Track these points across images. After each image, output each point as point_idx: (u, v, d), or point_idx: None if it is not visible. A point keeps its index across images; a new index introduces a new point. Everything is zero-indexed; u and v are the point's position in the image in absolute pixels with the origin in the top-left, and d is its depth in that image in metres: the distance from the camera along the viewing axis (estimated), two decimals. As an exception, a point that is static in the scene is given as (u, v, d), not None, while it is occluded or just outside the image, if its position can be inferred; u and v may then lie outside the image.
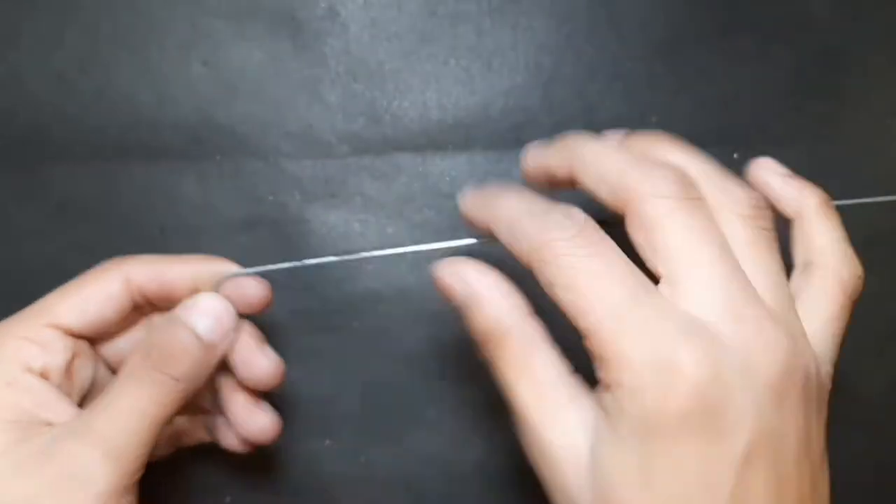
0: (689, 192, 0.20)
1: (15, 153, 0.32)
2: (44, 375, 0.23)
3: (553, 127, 0.32)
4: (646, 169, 0.20)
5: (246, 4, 0.32)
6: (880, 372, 0.33)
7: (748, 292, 0.19)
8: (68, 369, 0.24)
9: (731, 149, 0.33)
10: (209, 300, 0.24)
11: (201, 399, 0.27)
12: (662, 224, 0.20)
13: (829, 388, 0.21)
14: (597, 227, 0.20)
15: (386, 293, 0.32)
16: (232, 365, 0.25)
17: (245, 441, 0.26)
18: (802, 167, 0.33)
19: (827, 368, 0.21)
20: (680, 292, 0.19)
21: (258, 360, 0.25)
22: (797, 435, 0.19)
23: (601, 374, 0.19)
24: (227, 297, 0.25)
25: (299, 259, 0.32)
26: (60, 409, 0.23)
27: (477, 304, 0.21)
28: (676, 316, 0.19)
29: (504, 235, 0.21)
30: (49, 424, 0.22)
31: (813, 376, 0.19)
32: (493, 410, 0.32)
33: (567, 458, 0.20)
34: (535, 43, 0.32)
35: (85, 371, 0.25)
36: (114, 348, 0.26)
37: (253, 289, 0.25)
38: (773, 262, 0.21)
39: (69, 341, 0.24)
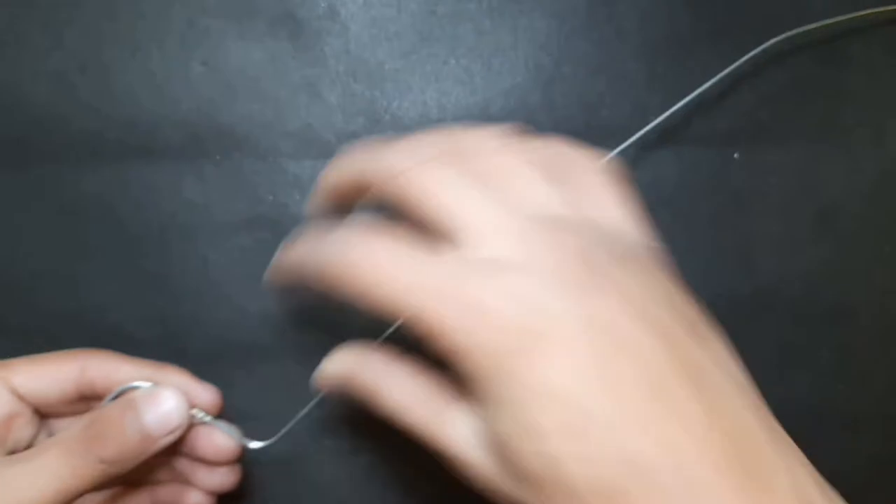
0: (431, 157, 0.21)
1: (15, 153, 0.32)
2: None
3: (553, 127, 0.32)
4: (384, 153, 0.22)
5: (246, 4, 0.32)
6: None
7: (511, 212, 0.20)
8: (6, 424, 0.24)
9: (730, 149, 0.33)
10: (166, 396, 0.25)
11: (153, 473, 0.28)
12: (418, 193, 0.21)
13: (655, 257, 0.21)
14: (369, 226, 0.21)
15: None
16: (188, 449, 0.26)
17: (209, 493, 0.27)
18: (803, 167, 0.33)
19: (633, 241, 0.22)
20: (461, 242, 0.20)
21: (211, 443, 0.27)
22: (622, 306, 0.19)
23: (443, 349, 0.19)
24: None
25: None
26: None
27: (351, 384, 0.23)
28: (464, 261, 0.19)
29: (301, 275, 0.22)
30: None
31: (603, 251, 0.20)
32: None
33: (464, 448, 0.20)
34: (536, 43, 0.32)
35: (22, 432, 0.25)
36: (60, 426, 0.27)
37: (205, 396, 0.27)
38: (531, 179, 0.21)
39: (15, 400, 0.25)
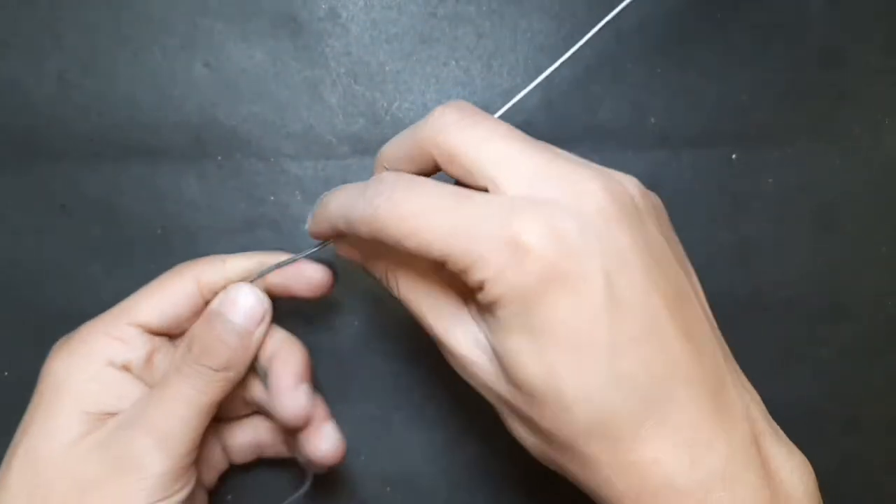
0: (464, 113, 0.22)
1: (15, 153, 0.32)
2: (125, 368, 0.25)
3: (553, 127, 0.32)
4: (429, 119, 0.23)
5: (247, 5, 0.32)
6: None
7: (551, 155, 0.21)
8: (148, 361, 0.26)
9: (729, 149, 0.33)
10: (240, 291, 0.26)
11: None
12: (457, 146, 0.22)
13: (664, 210, 0.24)
14: (410, 176, 0.22)
15: (386, 293, 0.32)
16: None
17: (314, 462, 0.27)
18: (801, 167, 0.33)
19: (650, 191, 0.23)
20: (500, 185, 0.21)
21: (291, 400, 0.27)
22: (640, 250, 0.20)
23: (470, 282, 0.21)
24: (278, 285, 0.27)
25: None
26: (136, 398, 0.25)
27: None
28: (502, 202, 0.21)
29: (344, 227, 0.23)
30: (122, 412, 0.25)
31: (635, 197, 0.22)
32: (492, 408, 0.32)
33: (466, 351, 0.22)
34: (535, 44, 0.32)
35: (165, 362, 0.26)
36: None
37: (308, 272, 0.27)
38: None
39: (149, 338, 0.26)
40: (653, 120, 0.33)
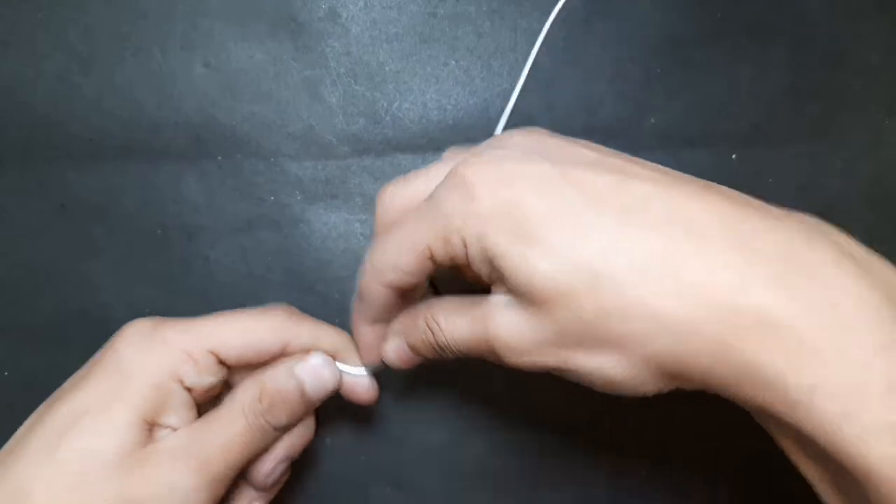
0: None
1: (16, 153, 0.32)
2: (188, 390, 0.25)
3: (553, 127, 0.32)
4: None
5: (247, 6, 0.32)
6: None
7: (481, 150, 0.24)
8: (211, 389, 0.26)
9: (729, 149, 0.33)
10: (326, 366, 0.27)
11: None
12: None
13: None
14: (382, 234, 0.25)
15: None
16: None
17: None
18: (801, 167, 0.33)
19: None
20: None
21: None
22: (559, 142, 0.23)
23: (458, 250, 0.22)
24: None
25: (302, 261, 0.32)
26: (186, 418, 0.25)
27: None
28: (437, 184, 0.23)
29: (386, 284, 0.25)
30: (171, 429, 0.25)
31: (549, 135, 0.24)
32: (493, 407, 0.32)
33: (506, 325, 0.22)
34: (535, 44, 0.32)
35: (215, 389, 0.27)
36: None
37: (362, 383, 0.28)
38: None
39: (219, 368, 0.26)
40: (653, 120, 0.33)
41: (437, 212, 0.22)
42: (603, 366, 0.21)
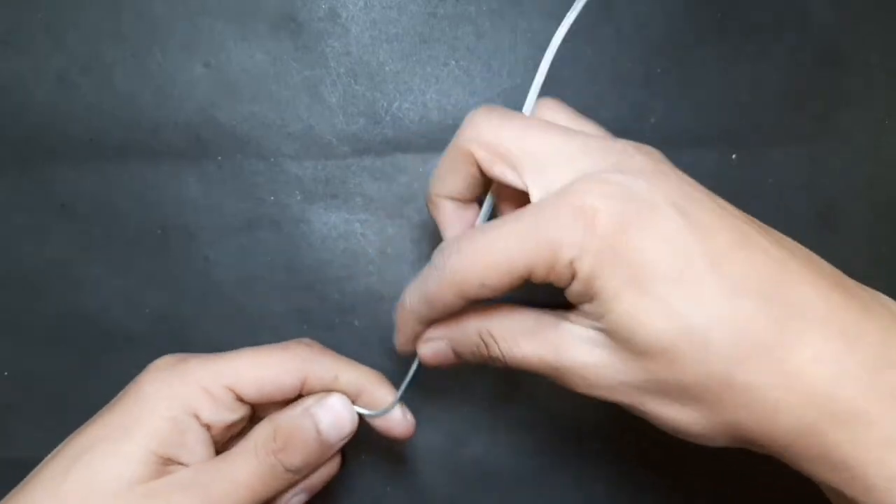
0: (496, 112, 0.23)
1: (16, 153, 0.32)
2: (205, 426, 0.25)
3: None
4: (465, 123, 0.23)
5: (247, 5, 0.32)
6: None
7: (584, 138, 0.22)
8: (228, 429, 0.26)
9: (729, 149, 0.33)
10: (343, 406, 0.26)
11: None
12: (497, 143, 0.22)
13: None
14: (464, 232, 0.24)
15: (386, 293, 0.32)
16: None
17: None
18: (802, 167, 0.33)
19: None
20: (545, 174, 0.22)
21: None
22: (693, 184, 0.22)
23: (560, 275, 0.21)
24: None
25: (302, 260, 0.32)
26: (201, 455, 0.25)
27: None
28: (554, 192, 0.21)
29: (426, 310, 0.24)
30: (183, 465, 0.24)
31: (657, 153, 0.23)
32: (493, 407, 0.32)
33: (583, 352, 0.22)
34: (535, 44, 0.32)
35: (237, 427, 0.26)
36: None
37: (397, 419, 0.27)
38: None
39: (238, 405, 0.25)
40: (653, 120, 0.33)
41: (548, 234, 0.20)
42: (681, 417, 0.21)
